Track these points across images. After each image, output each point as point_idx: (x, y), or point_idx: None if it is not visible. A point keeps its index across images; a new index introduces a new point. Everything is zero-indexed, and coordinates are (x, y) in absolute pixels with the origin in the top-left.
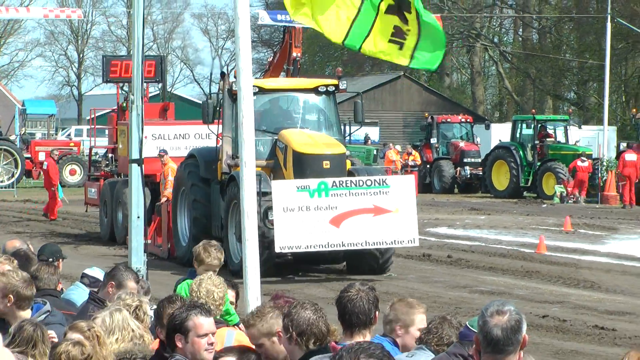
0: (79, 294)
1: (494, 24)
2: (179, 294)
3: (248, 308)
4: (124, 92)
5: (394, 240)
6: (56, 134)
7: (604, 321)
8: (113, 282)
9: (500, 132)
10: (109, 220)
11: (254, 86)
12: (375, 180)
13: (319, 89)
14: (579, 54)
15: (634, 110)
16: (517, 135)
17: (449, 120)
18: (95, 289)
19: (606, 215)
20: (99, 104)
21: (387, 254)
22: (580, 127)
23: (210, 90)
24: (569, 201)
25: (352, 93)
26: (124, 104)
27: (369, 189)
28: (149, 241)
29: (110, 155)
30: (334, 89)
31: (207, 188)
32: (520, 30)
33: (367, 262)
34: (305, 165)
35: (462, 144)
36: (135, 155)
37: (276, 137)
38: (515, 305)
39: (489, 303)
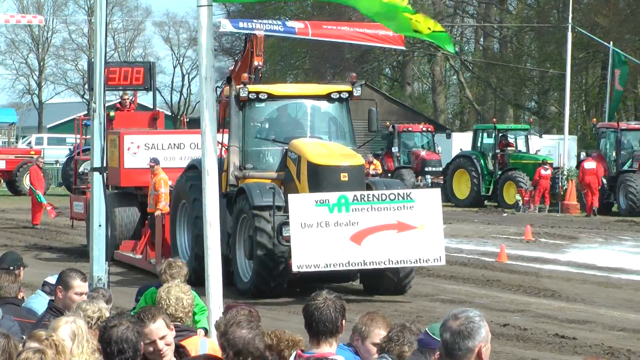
0: (39, 302)
1: (455, 33)
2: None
3: (211, 317)
4: (89, 101)
5: (419, 259)
6: (17, 142)
7: (564, 330)
8: (60, 286)
9: (461, 141)
10: None
11: (262, 92)
12: (399, 194)
13: (332, 96)
14: (540, 63)
15: (594, 119)
16: (478, 144)
17: (410, 129)
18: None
19: (567, 225)
20: (59, 112)
21: (407, 270)
22: (541, 136)
23: (171, 99)
24: (526, 210)
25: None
26: (112, 114)
27: (392, 204)
28: (139, 256)
29: None
30: (347, 95)
31: None
32: (482, 39)
33: (386, 281)
34: (321, 178)
35: (423, 152)
36: (97, 163)
37: (287, 147)
38: (482, 316)
39: (456, 309)
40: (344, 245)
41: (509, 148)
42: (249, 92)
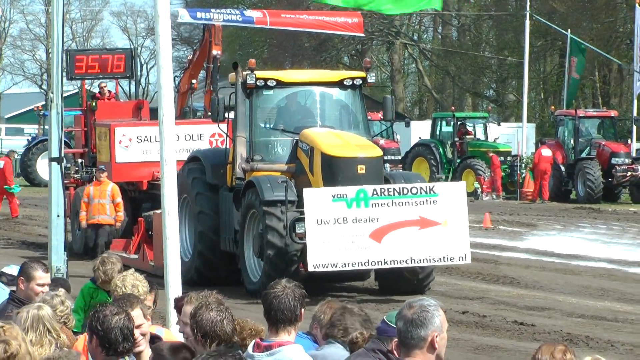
0: None
1: (414, 21)
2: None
3: (168, 308)
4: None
5: (443, 257)
6: None
7: (523, 317)
8: (22, 277)
9: (420, 130)
10: (82, 232)
11: (270, 79)
12: (421, 188)
13: (345, 82)
14: (498, 51)
15: (553, 107)
16: (437, 132)
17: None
18: (14, 288)
19: (525, 212)
20: (17, 102)
21: (427, 269)
22: (499, 124)
23: (129, 87)
24: (485, 197)
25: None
26: (94, 104)
27: (414, 198)
28: (134, 256)
29: (79, 160)
30: (360, 82)
31: (215, 196)
32: (440, 28)
33: (404, 281)
34: (336, 170)
35: (382, 141)
36: (55, 153)
37: (297, 138)
38: (437, 306)
39: (412, 298)
40: (363, 243)
41: (467, 136)
42: (257, 79)
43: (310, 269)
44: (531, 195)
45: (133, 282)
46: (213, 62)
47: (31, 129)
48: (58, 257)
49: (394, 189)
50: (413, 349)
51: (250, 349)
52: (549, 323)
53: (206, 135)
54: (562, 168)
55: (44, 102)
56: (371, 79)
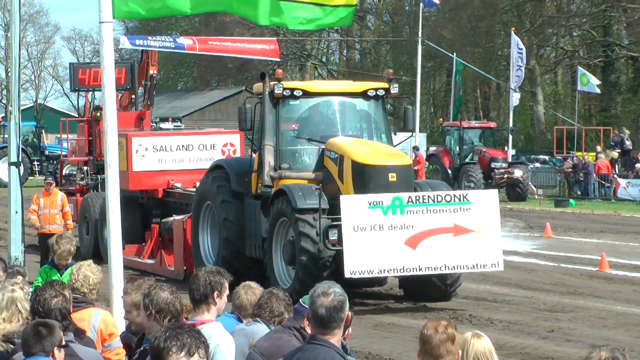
0: None
1: (322, 46)
2: (58, 281)
3: (112, 290)
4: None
5: (476, 264)
6: None
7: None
8: None
9: None
10: (91, 237)
11: (297, 89)
12: (455, 195)
13: (368, 93)
14: (394, 71)
15: (441, 119)
16: None
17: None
18: None
19: None
20: None
21: (455, 276)
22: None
23: (78, 102)
24: None
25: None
26: (98, 114)
27: (448, 206)
28: (150, 261)
29: (85, 168)
30: (384, 93)
31: (240, 204)
32: (345, 51)
33: (431, 288)
34: (367, 178)
35: None
36: (13, 158)
37: (323, 146)
38: (342, 289)
39: (317, 285)
40: (399, 250)
41: None
42: (284, 89)
43: (347, 275)
44: None
45: (86, 272)
46: (150, 80)
47: None
48: (16, 247)
49: (429, 197)
50: (335, 329)
51: None
52: (438, 304)
53: (219, 145)
54: (449, 171)
55: (3, 114)
56: (394, 89)
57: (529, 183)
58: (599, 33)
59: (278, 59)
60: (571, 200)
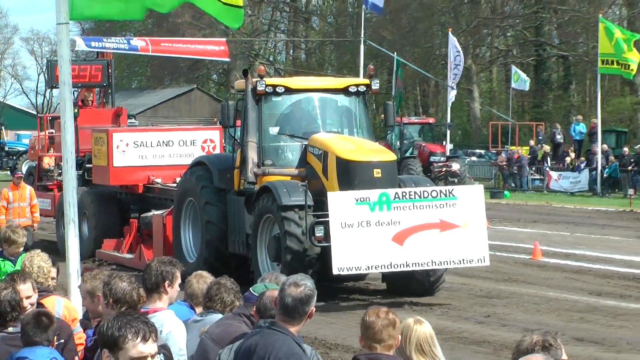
0: None
1: (270, 45)
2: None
3: (69, 280)
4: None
5: (463, 259)
6: None
7: (361, 290)
8: None
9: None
10: None
11: (279, 86)
12: (441, 191)
13: (350, 89)
14: (338, 70)
15: (382, 115)
16: None
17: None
18: None
19: None
20: None
21: (438, 272)
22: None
23: (37, 100)
24: None
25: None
26: (76, 111)
27: (434, 201)
28: (129, 255)
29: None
30: (364, 89)
31: (222, 202)
32: (292, 51)
33: (414, 283)
34: (352, 174)
35: None
36: None
37: (306, 143)
38: (313, 284)
39: (292, 275)
40: (386, 246)
41: None
42: (266, 86)
43: (335, 272)
44: None
45: (39, 263)
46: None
47: None
48: None
49: (415, 192)
50: (298, 320)
51: None
52: (378, 294)
53: (199, 141)
54: None
55: None
56: (375, 85)
57: (467, 176)
58: (531, 33)
59: (228, 59)
60: (506, 192)
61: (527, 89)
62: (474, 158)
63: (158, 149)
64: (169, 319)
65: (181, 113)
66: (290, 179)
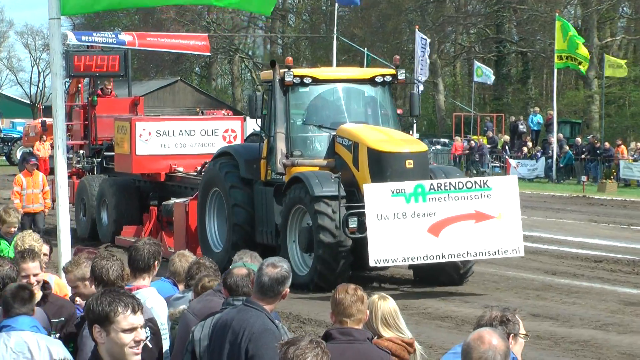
0: None
1: (249, 41)
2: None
3: (61, 259)
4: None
5: (497, 250)
6: None
7: None
8: None
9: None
10: (88, 219)
11: (307, 76)
12: (476, 182)
13: (376, 79)
14: (313, 64)
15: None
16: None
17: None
18: None
19: None
20: None
21: (469, 263)
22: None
23: (30, 91)
24: None
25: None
26: (94, 99)
27: (469, 192)
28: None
29: (81, 151)
30: (391, 79)
31: (249, 190)
32: (269, 46)
33: (444, 275)
34: (385, 165)
35: None
36: None
37: (334, 133)
38: (289, 267)
39: (270, 257)
40: (422, 237)
41: None
42: (294, 76)
43: (372, 263)
44: None
45: (31, 242)
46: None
47: None
48: None
49: (450, 184)
50: (271, 298)
51: None
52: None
53: (220, 130)
54: None
55: None
56: (401, 75)
57: (432, 163)
58: (493, 31)
59: (209, 54)
60: None
61: (491, 82)
62: (438, 147)
63: (180, 138)
64: (152, 295)
65: (165, 103)
66: (319, 170)
